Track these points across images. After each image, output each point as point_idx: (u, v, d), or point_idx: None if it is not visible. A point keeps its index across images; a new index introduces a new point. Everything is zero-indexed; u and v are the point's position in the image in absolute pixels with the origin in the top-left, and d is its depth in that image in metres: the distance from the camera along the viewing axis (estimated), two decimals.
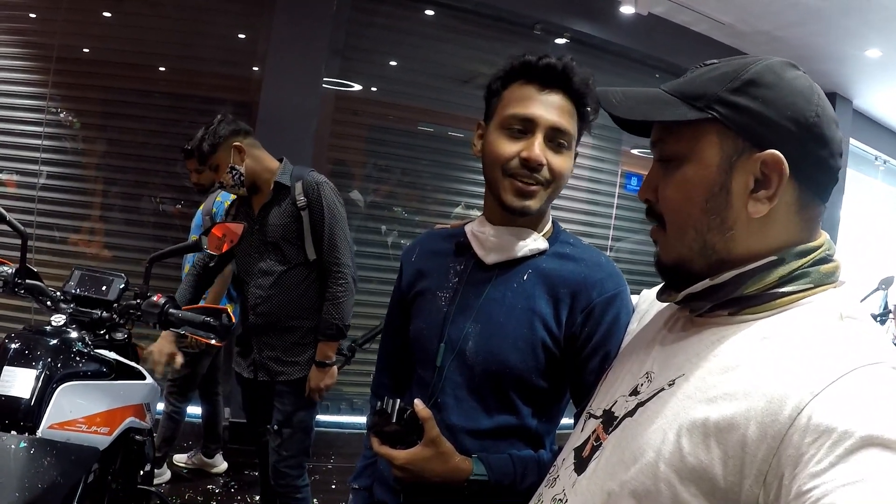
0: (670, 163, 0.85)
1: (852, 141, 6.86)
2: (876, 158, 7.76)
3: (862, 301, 4.23)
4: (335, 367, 2.66)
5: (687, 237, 0.83)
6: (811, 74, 0.83)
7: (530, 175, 1.21)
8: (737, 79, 0.80)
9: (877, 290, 4.40)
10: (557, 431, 1.36)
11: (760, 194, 0.79)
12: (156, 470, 3.25)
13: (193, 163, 3.41)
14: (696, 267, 0.84)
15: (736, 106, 0.79)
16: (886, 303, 5.08)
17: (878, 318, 4.44)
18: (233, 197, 3.29)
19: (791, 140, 0.78)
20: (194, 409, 3.89)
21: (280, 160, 2.71)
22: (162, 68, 4.50)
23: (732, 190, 0.80)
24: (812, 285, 0.79)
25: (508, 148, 1.22)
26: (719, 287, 0.81)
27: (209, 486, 3.71)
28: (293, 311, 2.61)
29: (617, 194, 5.72)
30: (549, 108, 1.22)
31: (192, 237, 3.39)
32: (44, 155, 4.25)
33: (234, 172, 2.60)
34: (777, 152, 0.77)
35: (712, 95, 0.80)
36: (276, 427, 2.60)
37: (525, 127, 1.22)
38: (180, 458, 3.88)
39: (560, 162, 1.23)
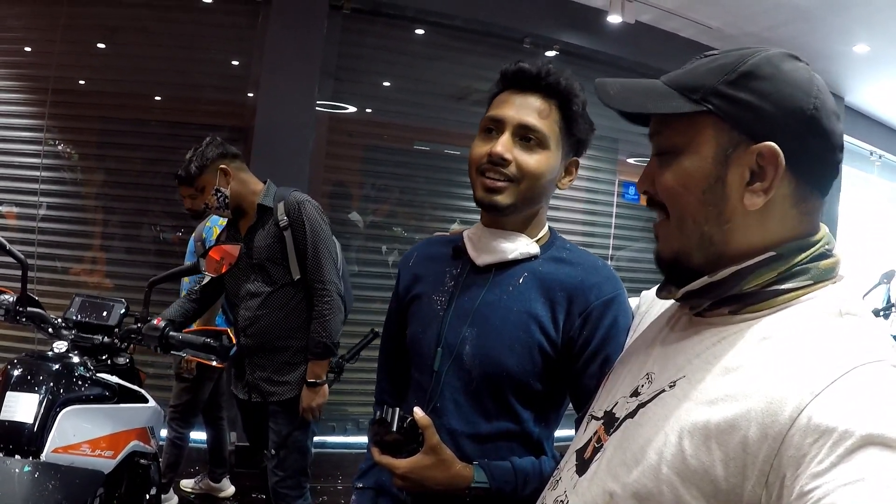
0: (667, 155, 0.84)
1: (846, 137, 6.83)
2: (871, 153, 7.76)
3: (864, 296, 4.21)
4: (326, 386, 2.65)
5: (686, 227, 0.83)
6: None
7: (496, 170, 1.24)
8: (733, 71, 0.79)
9: (879, 284, 4.39)
10: (559, 444, 1.35)
11: (756, 186, 0.78)
12: (163, 495, 3.25)
13: (186, 189, 3.45)
14: (694, 260, 0.83)
15: (731, 98, 0.78)
16: (889, 297, 5.05)
17: (882, 313, 4.41)
18: (221, 221, 3.29)
19: (787, 132, 0.77)
20: (201, 435, 3.88)
21: (265, 182, 2.73)
22: (157, 97, 4.55)
23: (728, 182, 0.79)
24: (812, 282, 0.78)
25: (481, 148, 1.27)
26: (718, 284, 0.81)
27: None
28: (282, 331, 2.62)
29: (615, 203, 5.73)
30: (521, 108, 1.25)
31: (187, 264, 3.42)
32: (42, 186, 4.28)
33: (218, 195, 2.63)
34: (773, 144, 0.76)
35: (708, 88, 0.79)
36: (273, 451, 2.60)
37: (495, 127, 1.26)
38: (187, 484, 3.86)
39: (529, 159, 1.24)
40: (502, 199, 1.25)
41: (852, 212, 7.15)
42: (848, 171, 7.03)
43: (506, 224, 1.31)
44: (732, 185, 0.79)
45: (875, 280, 4.42)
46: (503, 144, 1.23)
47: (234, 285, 2.68)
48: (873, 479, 0.58)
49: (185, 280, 3.47)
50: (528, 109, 1.25)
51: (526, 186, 1.25)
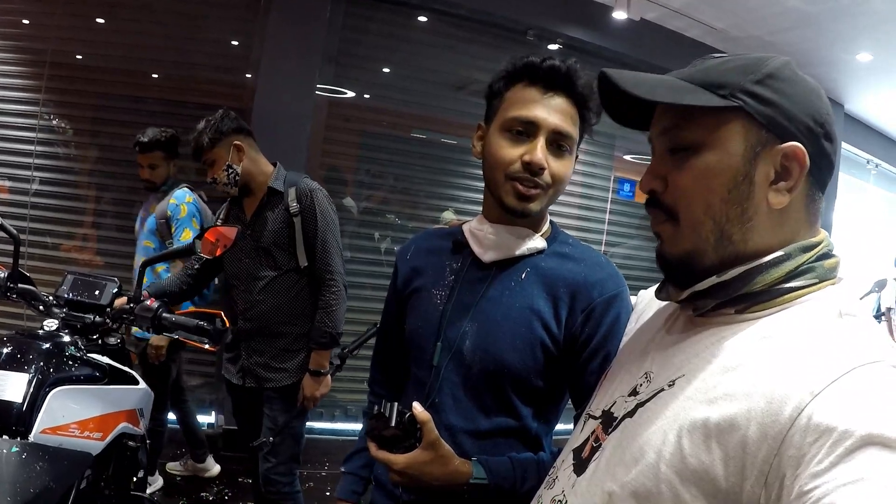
0: (686, 151, 0.83)
1: (844, 145, 6.88)
2: (868, 162, 7.81)
3: None
4: (329, 376, 2.65)
5: (704, 228, 0.82)
6: None
7: (531, 178, 1.21)
8: (758, 71, 0.80)
9: (870, 292, 4.44)
10: (556, 437, 1.35)
11: (781, 185, 0.79)
12: (148, 478, 3.23)
13: (146, 157, 3.36)
14: (707, 260, 0.83)
15: (761, 97, 0.79)
16: (880, 305, 5.12)
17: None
18: (188, 199, 3.27)
19: (809, 135, 0.79)
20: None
21: (274, 164, 2.70)
22: (155, 74, 4.50)
23: (755, 180, 0.80)
24: (817, 280, 0.79)
25: (511, 152, 1.22)
26: (726, 284, 0.81)
27: (203, 494, 3.69)
28: (283, 316, 2.61)
29: (610, 199, 5.72)
30: (551, 111, 1.22)
31: (146, 242, 3.34)
32: (37, 161, 4.23)
33: (230, 171, 2.59)
34: (800, 145, 0.78)
35: (737, 85, 0.80)
36: (270, 438, 2.58)
37: (527, 130, 1.22)
38: (173, 466, 3.85)
39: (561, 166, 1.23)
40: (534, 206, 1.24)
41: (847, 219, 7.18)
42: (844, 179, 7.06)
43: (517, 221, 1.29)
44: (758, 184, 0.80)
45: (867, 288, 4.46)
46: (543, 152, 1.21)
47: (234, 266, 2.65)
48: (873, 479, 0.58)
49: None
50: (560, 114, 1.22)
51: (554, 192, 1.25)
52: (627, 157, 5.80)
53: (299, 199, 2.58)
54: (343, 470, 1.50)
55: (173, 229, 3.30)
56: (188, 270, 2.74)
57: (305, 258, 2.59)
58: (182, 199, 3.32)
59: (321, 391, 2.62)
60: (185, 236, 3.26)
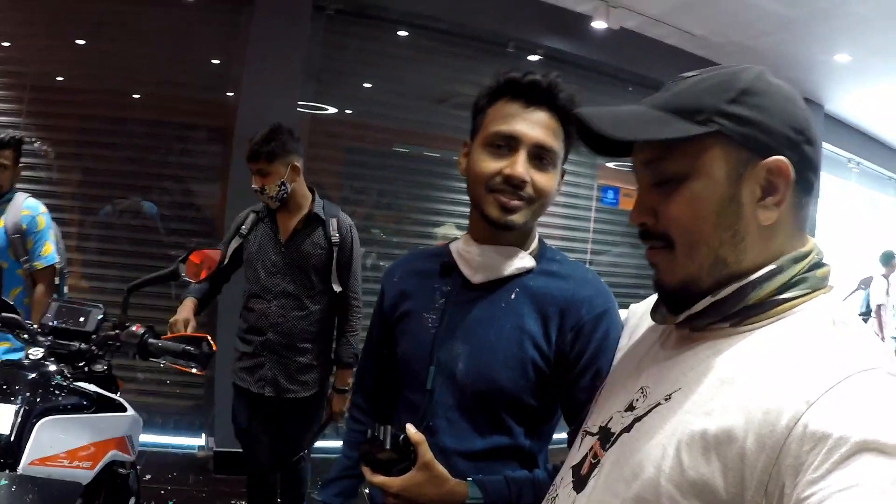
0: (671, 182, 0.83)
1: (825, 145, 6.95)
2: (849, 161, 7.89)
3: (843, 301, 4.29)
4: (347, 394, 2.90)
5: (699, 254, 0.82)
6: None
7: (514, 191, 1.20)
8: (732, 89, 0.80)
9: (857, 290, 4.48)
10: (550, 447, 1.35)
11: (768, 201, 0.79)
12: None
13: None
14: (703, 284, 0.83)
15: (737, 117, 0.79)
16: (867, 302, 5.15)
17: (861, 318, 4.50)
18: (42, 210, 3.16)
19: (791, 145, 0.79)
20: (175, 440, 3.80)
21: (311, 189, 2.91)
22: (136, 95, 4.47)
23: (743, 201, 0.80)
24: (809, 290, 0.80)
25: (491, 165, 1.22)
26: (721, 302, 0.81)
27: None
28: (310, 334, 2.85)
29: (594, 208, 5.73)
30: (533, 125, 1.21)
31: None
32: (18, 185, 4.16)
33: (283, 189, 2.73)
34: (783, 159, 0.78)
35: (711, 108, 0.79)
36: (305, 451, 2.90)
37: (508, 144, 1.21)
38: None
39: (544, 180, 1.23)
40: (517, 218, 1.23)
41: (830, 218, 7.24)
42: (826, 178, 7.12)
43: (503, 240, 1.28)
44: (746, 204, 0.80)
45: (852, 286, 4.50)
46: (523, 166, 1.20)
47: (268, 281, 2.81)
48: (868, 485, 0.59)
49: None
50: (542, 128, 1.22)
51: (538, 206, 1.25)
52: (611, 165, 5.81)
53: (340, 230, 2.87)
54: (320, 499, 1.48)
55: (30, 244, 3.07)
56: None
57: (339, 284, 2.85)
58: (37, 209, 3.11)
59: (346, 406, 2.84)
60: (46, 251, 3.11)
